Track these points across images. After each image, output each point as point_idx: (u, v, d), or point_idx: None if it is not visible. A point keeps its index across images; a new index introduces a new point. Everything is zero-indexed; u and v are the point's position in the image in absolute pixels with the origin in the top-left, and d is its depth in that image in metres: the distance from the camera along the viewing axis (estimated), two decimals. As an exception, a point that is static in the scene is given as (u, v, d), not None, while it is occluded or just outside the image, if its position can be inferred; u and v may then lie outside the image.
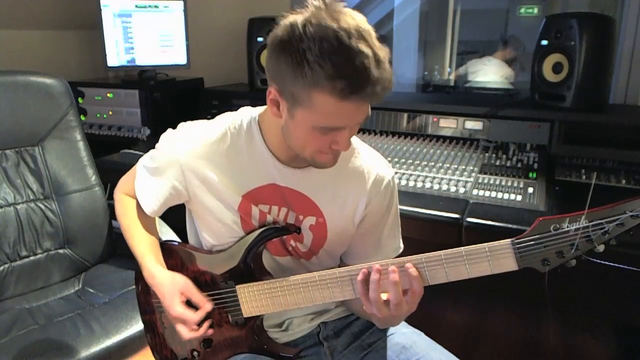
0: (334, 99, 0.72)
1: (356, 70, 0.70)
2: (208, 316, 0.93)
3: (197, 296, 0.92)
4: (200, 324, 0.92)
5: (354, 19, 0.73)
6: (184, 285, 0.93)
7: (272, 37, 0.77)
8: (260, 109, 0.93)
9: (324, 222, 0.94)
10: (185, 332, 0.91)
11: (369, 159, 0.96)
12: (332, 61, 0.70)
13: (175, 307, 0.90)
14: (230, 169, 0.91)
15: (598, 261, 0.77)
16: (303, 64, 0.72)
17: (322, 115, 0.75)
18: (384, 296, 0.81)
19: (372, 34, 0.74)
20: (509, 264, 0.77)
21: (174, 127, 0.96)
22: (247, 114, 0.93)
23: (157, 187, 0.95)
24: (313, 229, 0.94)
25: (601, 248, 0.73)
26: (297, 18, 0.74)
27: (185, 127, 0.94)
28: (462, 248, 0.78)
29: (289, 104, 0.78)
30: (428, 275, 0.80)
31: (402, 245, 1.01)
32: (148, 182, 0.97)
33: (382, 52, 0.73)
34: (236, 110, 0.96)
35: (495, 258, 0.77)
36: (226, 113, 0.95)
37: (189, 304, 0.92)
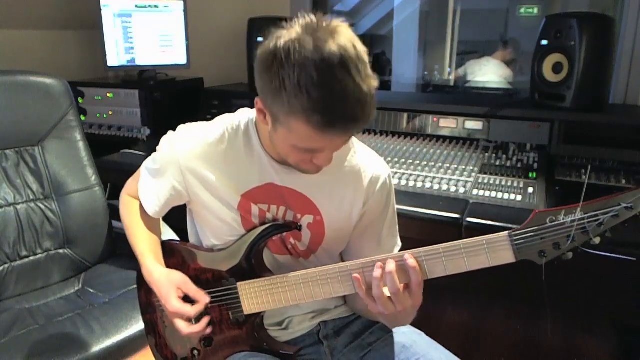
0: (310, 129, 0.73)
1: (333, 107, 0.69)
2: (207, 312, 0.93)
3: (194, 290, 0.92)
4: (198, 320, 0.92)
5: (341, 45, 0.70)
6: (180, 281, 0.93)
7: (259, 53, 0.76)
8: None
9: (322, 220, 0.94)
10: (184, 327, 0.91)
11: (366, 158, 0.96)
12: (310, 94, 0.69)
13: (171, 301, 0.90)
14: (229, 170, 0.91)
15: (594, 252, 0.78)
16: (282, 91, 0.71)
17: (300, 139, 0.76)
18: (385, 291, 0.81)
19: (359, 61, 0.71)
20: (507, 256, 0.77)
21: (174, 127, 0.97)
22: (245, 115, 0.94)
23: (159, 188, 0.96)
24: (311, 227, 0.95)
25: (597, 240, 0.74)
26: (283, 39, 0.72)
27: (184, 129, 0.96)
28: (460, 241, 0.79)
29: (272, 119, 0.79)
30: (427, 269, 0.81)
31: (400, 243, 1.02)
32: (150, 184, 0.99)
33: (367, 82, 0.71)
34: (236, 110, 0.96)
35: (492, 250, 0.78)
36: (225, 114, 0.96)
37: (187, 300, 0.92)
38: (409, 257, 0.80)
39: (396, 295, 0.80)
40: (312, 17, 0.74)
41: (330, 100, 0.69)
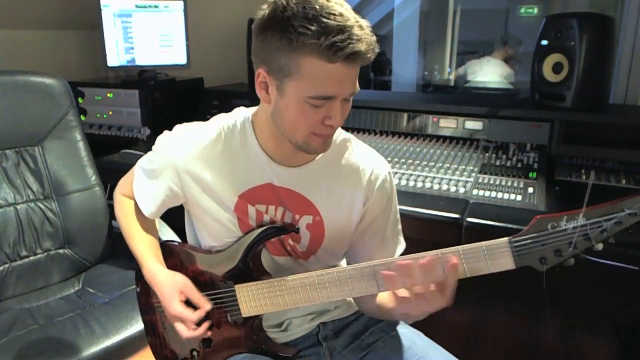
0: (321, 61, 0.74)
1: (341, 30, 0.73)
2: (207, 317, 0.93)
3: (197, 296, 0.92)
4: (199, 324, 0.92)
5: None
6: (184, 285, 0.93)
7: (258, 19, 0.79)
8: (253, 109, 0.93)
9: (321, 220, 0.94)
10: (184, 331, 0.91)
11: (364, 155, 0.95)
12: (317, 22, 0.73)
13: (174, 305, 0.90)
14: (226, 170, 0.91)
15: (597, 260, 0.77)
16: (289, 30, 0.74)
17: (312, 82, 0.76)
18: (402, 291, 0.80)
19: (350, 8, 0.77)
20: (507, 263, 0.76)
21: (174, 127, 0.96)
22: (241, 114, 0.94)
23: (154, 189, 0.96)
24: (310, 228, 0.94)
25: (600, 246, 0.72)
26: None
27: (181, 129, 0.95)
28: (459, 247, 0.78)
29: (278, 80, 0.79)
30: None
31: (403, 242, 1.01)
32: (145, 185, 0.98)
33: (364, 20, 0.77)
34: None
35: (492, 257, 0.76)
36: (220, 114, 0.95)
37: (189, 303, 0.92)
38: (453, 257, 0.77)
39: (432, 294, 0.77)
40: None
41: (337, 25, 0.73)
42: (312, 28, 0.72)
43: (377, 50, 0.78)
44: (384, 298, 0.92)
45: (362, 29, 0.75)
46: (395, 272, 0.79)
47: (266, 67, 0.79)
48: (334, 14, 0.73)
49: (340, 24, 0.73)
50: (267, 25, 0.77)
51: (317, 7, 0.73)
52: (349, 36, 0.73)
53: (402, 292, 0.81)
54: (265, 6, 0.78)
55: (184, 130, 0.94)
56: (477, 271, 0.78)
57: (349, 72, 0.77)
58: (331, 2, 0.75)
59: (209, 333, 0.95)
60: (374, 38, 0.77)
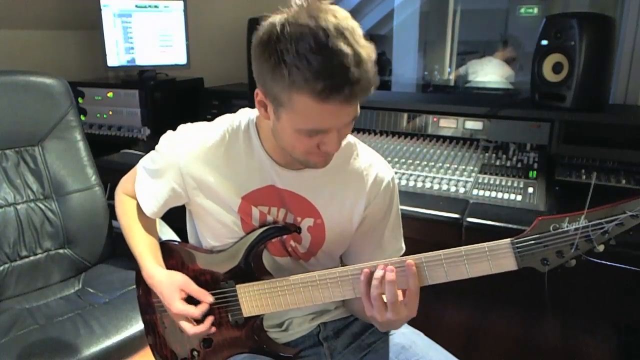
0: (313, 100, 0.71)
1: (334, 71, 0.68)
2: (210, 312, 0.93)
3: (197, 291, 0.92)
4: (202, 320, 0.92)
5: (334, 17, 0.71)
6: (183, 282, 0.93)
7: (255, 38, 0.76)
8: (257, 111, 0.93)
9: (322, 223, 0.94)
10: (189, 328, 0.91)
11: (369, 160, 0.95)
12: (309, 62, 0.68)
13: (175, 304, 0.90)
14: (229, 171, 0.91)
15: (598, 261, 0.77)
16: (281, 65, 0.70)
17: (304, 117, 0.74)
18: (384, 297, 0.81)
19: (354, 31, 0.71)
20: (509, 264, 0.77)
21: (174, 127, 0.96)
22: (245, 115, 0.93)
23: (157, 189, 0.96)
24: (311, 230, 0.94)
25: (601, 248, 0.73)
26: (277, 18, 0.73)
27: (185, 130, 0.94)
28: (461, 248, 0.78)
29: (274, 106, 0.77)
30: (428, 275, 0.80)
31: (404, 247, 1.01)
32: (148, 184, 0.98)
33: (365, 50, 0.71)
34: (236, 110, 0.96)
35: (494, 258, 0.77)
36: (225, 115, 0.95)
37: (190, 300, 0.92)
38: (412, 263, 0.79)
39: (393, 305, 0.79)
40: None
41: (331, 64, 0.68)
42: (304, 67, 0.68)
43: (376, 84, 0.74)
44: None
45: (359, 66, 0.70)
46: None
47: (263, 90, 0.78)
48: (329, 50, 0.68)
49: (334, 63, 0.68)
50: (262, 51, 0.73)
51: (312, 41, 0.68)
52: (343, 79, 0.69)
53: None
54: (262, 25, 0.75)
55: (187, 131, 0.94)
56: (479, 272, 0.78)
57: (344, 109, 0.73)
58: (329, 31, 0.69)
59: (213, 329, 0.94)
60: (374, 70, 0.73)
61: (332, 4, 0.75)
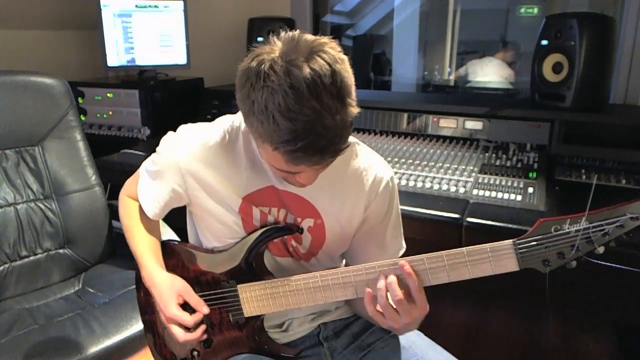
0: (280, 157, 0.72)
1: (297, 138, 0.67)
2: (204, 320, 0.93)
3: (195, 299, 0.92)
4: (195, 327, 0.92)
5: (315, 70, 0.66)
6: (183, 288, 0.93)
7: (238, 70, 0.74)
8: None
9: (322, 223, 0.94)
10: (180, 334, 0.90)
11: (368, 160, 0.95)
12: (277, 123, 0.67)
13: (170, 308, 0.90)
14: (230, 172, 0.91)
15: (598, 262, 0.77)
16: (252, 113, 0.71)
17: (276, 162, 0.76)
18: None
19: (335, 88, 0.67)
20: (511, 265, 0.77)
21: (174, 127, 0.96)
22: None
23: (158, 190, 0.96)
24: (311, 230, 0.94)
25: (601, 249, 0.73)
26: (257, 59, 0.70)
27: (185, 131, 0.95)
28: (463, 249, 0.79)
29: (252, 134, 0.78)
30: (430, 276, 0.80)
31: (404, 245, 1.01)
32: (149, 186, 0.98)
33: (341, 111, 0.68)
34: (236, 110, 0.95)
35: (496, 259, 0.77)
36: (225, 115, 0.96)
37: (185, 307, 0.92)
38: (404, 264, 0.80)
39: (400, 305, 0.79)
40: (296, 34, 0.71)
41: (296, 131, 0.66)
42: (271, 127, 0.67)
43: (349, 142, 0.72)
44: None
45: (329, 131, 0.67)
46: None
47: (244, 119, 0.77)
48: (295, 113, 0.65)
49: (298, 129, 0.66)
50: (240, 86, 0.73)
51: (280, 99, 0.65)
52: (306, 146, 0.67)
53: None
54: (246, 60, 0.72)
55: (188, 132, 0.94)
56: (480, 272, 0.79)
57: (313, 167, 0.74)
58: (301, 91, 0.65)
59: (204, 337, 0.94)
60: (347, 129, 0.69)
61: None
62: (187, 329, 0.91)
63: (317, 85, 0.66)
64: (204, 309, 0.92)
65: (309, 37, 0.71)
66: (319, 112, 0.66)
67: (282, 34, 0.73)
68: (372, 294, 0.82)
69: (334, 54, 0.70)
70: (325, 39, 0.71)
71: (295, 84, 0.66)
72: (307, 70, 0.66)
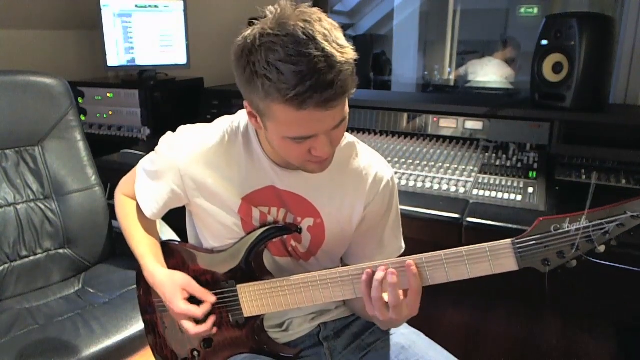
0: (290, 109, 0.70)
1: (305, 77, 0.68)
2: (212, 312, 0.93)
3: (199, 290, 0.92)
4: (204, 320, 0.92)
5: (305, 20, 0.70)
6: (185, 282, 0.93)
7: (234, 48, 0.76)
8: None
9: (322, 223, 0.94)
10: (192, 328, 0.91)
11: (368, 160, 0.95)
12: (280, 71, 0.68)
13: (178, 303, 0.90)
14: (229, 172, 0.91)
15: (599, 261, 0.77)
16: (254, 77, 0.71)
17: (287, 126, 0.74)
18: (385, 297, 0.81)
19: (327, 34, 0.70)
20: (510, 264, 0.77)
21: (174, 127, 0.96)
22: (245, 116, 0.93)
23: (156, 190, 0.96)
24: (311, 230, 0.94)
25: (602, 248, 0.73)
26: (249, 31, 0.73)
27: (184, 132, 0.95)
28: (462, 248, 0.78)
29: (259, 116, 0.78)
30: (428, 275, 0.80)
31: (403, 245, 1.01)
32: (147, 186, 0.98)
33: (339, 51, 0.70)
34: (236, 110, 0.96)
35: (495, 258, 0.77)
36: (224, 116, 0.96)
37: (191, 300, 0.92)
38: (411, 263, 0.79)
39: (395, 307, 0.79)
40: (280, 4, 0.74)
41: (301, 71, 0.68)
42: (275, 77, 0.68)
43: (354, 79, 0.73)
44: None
45: (332, 69, 0.68)
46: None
47: (247, 101, 0.79)
48: (297, 57, 0.67)
49: (305, 69, 0.67)
50: (238, 64, 0.74)
51: (280, 50, 0.68)
52: (314, 84, 0.67)
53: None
54: (239, 38, 0.75)
55: (187, 132, 0.94)
56: (479, 272, 0.78)
57: (325, 113, 0.72)
58: (297, 37, 0.68)
59: (215, 329, 0.94)
60: (351, 70, 0.71)
61: (312, 6, 0.74)
62: (198, 322, 0.92)
63: (312, 31, 0.69)
64: (209, 297, 0.92)
65: (293, 4, 0.74)
66: (320, 52, 0.68)
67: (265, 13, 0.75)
68: (370, 273, 0.81)
69: (319, 13, 0.73)
70: (307, 6, 0.74)
71: (291, 33, 0.69)
72: (299, 22, 0.70)
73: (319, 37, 0.69)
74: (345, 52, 0.71)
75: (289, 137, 0.76)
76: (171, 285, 0.92)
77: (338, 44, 0.71)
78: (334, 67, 0.69)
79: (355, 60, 0.73)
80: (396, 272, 0.79)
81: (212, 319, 0.93)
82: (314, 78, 0.68)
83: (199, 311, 0.90)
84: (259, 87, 0.71)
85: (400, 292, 0.80)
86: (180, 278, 0.94)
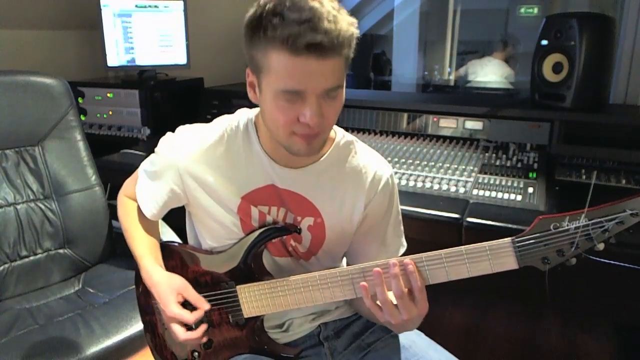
0: (286, 53, 0.73)
1: (302, 21, 0.72)
2: (205, 320, 0.93)
3: (194, 297, 0.92)
4: (196, 326, 0.91)
5: None
6: (181, 286, 0.93)
7: (245, 21, 0.79)
8: (256, 111, 0.93)
9: (322, 222, 0.94)
10: (181, 333, 0.89)
11: (367, 158, 0.95)
12: (282, 15, 0.73)
13: (171, 306, 0.89)
14: (229, 171, 0.91)
15: (598, 259, 0.77)
16: (259, 27, 0.75)
17: (279, 75, 0.75)
18: (390, 296, 0.81)
19: (334, 4, 0.75)
20: (510, 263, 0.77)
21: (174, 127, 0.97)
22: (244, 115, 0.93)
23: (156, 191, 0.96)
24: (311, 229, 0.94)
25: (601, 246, 0.73)
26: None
27: (184, 131, 0.95)
28: (462, 247, 0.78)
29: (257, 77, 0.80)
30: (429, 275, 0.80)
31: (405, 244, 1.01)
32: (147, 186, 0.98)
33: (339, 11, 0.75)
34: (236, 110, 0.96)
35: (495, 257, 0.77)
36: (224, 115, 0.96)
37: (186, 305, 0.92)
38: (409, 262, 0.79)
39: (402, 300, 0.79)
40: None
41: (301, 16, 0.72)
42: (276, 21, 0.73)
43: (351, 44, 0.77)
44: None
45: (332, 23, 0.73)
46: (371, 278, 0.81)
47: (250, 66, 0.81)
48: (301, 8, 0.73)
49: (304, 16, 0.72)
50: (247, 25, 0.78)
51: (288, 3, 0.73)
52: (309, 27, 0.72)
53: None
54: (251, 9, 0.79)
55: (186, 132, 0.94)
56: (479, 271, 0.78)
57: (317, 66, 0.74)
58: None
59: (204, 339, 0.94)
60: (349, 32, 0.76)
61: None
62: (189, 327, 0.91)
63: None
64: (204, 305, 0.91)
65: None
66: (323, 6, 0.74)
67: None
68: (367, 287, 0.81)
69: None
70: None
71: None
72: None
73: (325, 1, 0.75)
74: (346, 20, 0.76)
75: (281, 91, 0.76)
76: (167, 287, 0.92)
77: (340, 12, 0.76)
78: (332, 20, 0.73)
79: (357, 37, 0.78)
80: (397, 264, 0.79)
81: (203, 327, 0.92)
82: (312, 22, 0.72)
83: (191, 317, 0.89)
84: (260, 35, 0.75)
85: (405, 289, 0.79)
86: (178, 281, 0.93)
